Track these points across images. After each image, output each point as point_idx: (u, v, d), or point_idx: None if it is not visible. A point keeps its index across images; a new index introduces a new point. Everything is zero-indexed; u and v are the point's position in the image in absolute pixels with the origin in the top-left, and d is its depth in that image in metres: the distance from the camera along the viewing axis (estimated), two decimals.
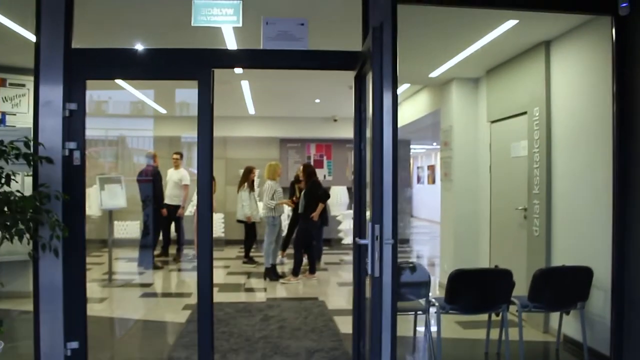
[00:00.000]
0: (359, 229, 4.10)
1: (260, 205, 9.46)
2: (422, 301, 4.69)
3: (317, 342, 5.22)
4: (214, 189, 10.27)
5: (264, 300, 7.00)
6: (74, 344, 3.74)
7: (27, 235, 3.31)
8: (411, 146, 14.21)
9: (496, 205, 6.92)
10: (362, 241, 3.32)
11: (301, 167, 9.08)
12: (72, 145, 3.79)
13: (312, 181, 8.36)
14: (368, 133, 3.46)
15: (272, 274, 8.37)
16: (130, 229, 11.93)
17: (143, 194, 9.62)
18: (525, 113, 6.01)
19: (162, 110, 11.83)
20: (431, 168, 21.11)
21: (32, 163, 3.46)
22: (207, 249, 4.01)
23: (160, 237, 10.15)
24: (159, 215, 9.54)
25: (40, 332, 3.70)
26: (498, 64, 6.67)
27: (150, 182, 9.47)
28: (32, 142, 3.52)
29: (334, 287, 8.03)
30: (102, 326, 5.90)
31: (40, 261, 3.68)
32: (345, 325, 5.83)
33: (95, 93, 10.18)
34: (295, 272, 8.26)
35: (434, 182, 20.74)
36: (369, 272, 3.08)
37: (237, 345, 5.10)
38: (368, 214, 3.35)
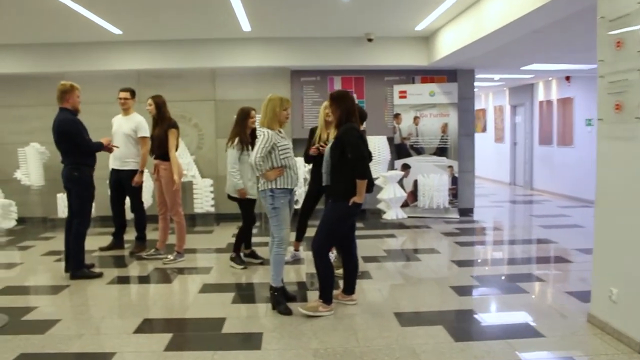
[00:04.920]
0: None
1: None
2: None
3: None
4: (176, 140, 6.56)
5: None
6: None
7: None
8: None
9: None
10: None
11: (326, 101, 5.22)
12: None
13: (348, 126, 4.45)
14: None
15: (281, 300, 4.61)
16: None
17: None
18: None
19: (116, 31, 7.95)
20: (481, 113, 17.05)
21: None
22: None
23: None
24: (81, 184, 5.77)
25: None
26: None
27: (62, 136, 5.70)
28: None
29: (391, 327, 4.26)
30: None
31: None
32: None
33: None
34: (326, 295, 4.48)
35: (484, 130, 16.77)
36: None
37: None
38: None
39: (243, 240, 6.17)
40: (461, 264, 6.14)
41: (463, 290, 5.11)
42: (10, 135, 9.27)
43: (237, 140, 5.82)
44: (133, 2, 6.59)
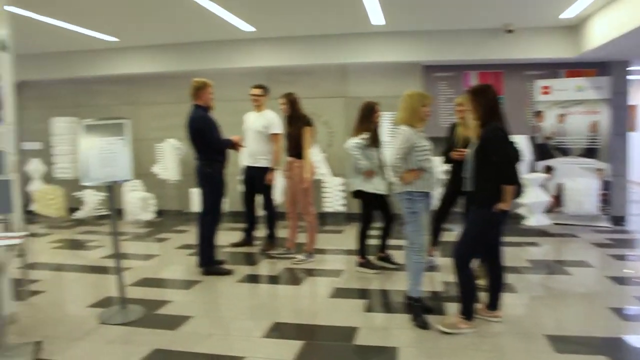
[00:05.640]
0: None
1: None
2: None
3: None
4: (311, 138, 6.41)
5: None
6: None
7: None
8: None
9: None
10: None
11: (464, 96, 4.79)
12: None
13: (492, 125, 4.01)
14: None
15: (420, 311, 4.27)
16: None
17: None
18: None
19: (249, 29, 7.99)
20: (631, 110, 15.48)
21: None
22: None
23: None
24: (213, 180, 5.80)
25: None
26: None
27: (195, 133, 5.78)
28: None
29: (543, 351, 3.77)
30: None
31: None
32: None
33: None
34: (467, 310, 4.10)
35: (634, 128, 15.19)
36: None
37: None
38: None
39: (363, 239, 5.87)
40: (619, 281, 5.41)
41: (626, 314, 4.47)
42: (150, 131, 9.68)
43: (367, 135, 5.57)
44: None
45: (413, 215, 4.27)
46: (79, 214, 9.29)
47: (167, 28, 7.95)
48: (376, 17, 7.34)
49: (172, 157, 9.16)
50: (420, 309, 4.28)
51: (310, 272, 5.87)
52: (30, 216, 8.98)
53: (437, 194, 6.28)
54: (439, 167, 6.83)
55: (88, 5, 6.60)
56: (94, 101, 10.04)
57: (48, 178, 9.67)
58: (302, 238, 6.49)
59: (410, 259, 4.32)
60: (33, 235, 8.06)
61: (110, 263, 5.91)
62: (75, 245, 7.60)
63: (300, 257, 6.28)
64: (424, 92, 4.49)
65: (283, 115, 6.38)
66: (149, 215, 8.97)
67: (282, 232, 6.97)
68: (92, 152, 4.44)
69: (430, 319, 4.23)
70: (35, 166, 9.66)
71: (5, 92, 4.43)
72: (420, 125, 4.39)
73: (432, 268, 5.74)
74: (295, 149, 6.16)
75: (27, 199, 9.15)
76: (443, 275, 5.54)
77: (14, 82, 4.63)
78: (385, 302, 4.96)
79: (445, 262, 5.66)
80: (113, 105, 9.88)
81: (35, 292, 5.30)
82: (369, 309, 4.67)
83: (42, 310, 4.82)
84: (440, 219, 5.68)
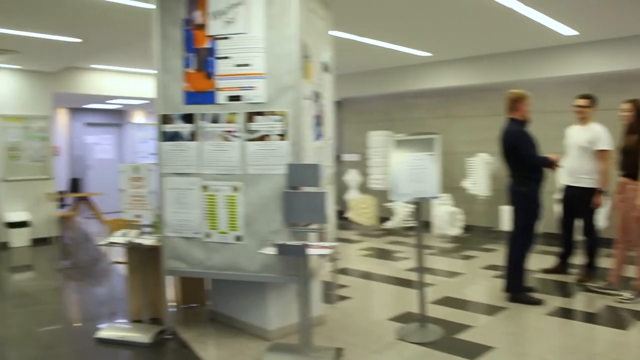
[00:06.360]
0: None
1: None
2: None
3: None
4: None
5: None
6: None
7: None
8: None
9: None
10: None
11: None
12: None
13: None
14: None
15: None
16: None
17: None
18: None
19: (570, 33, 7.25)
20: None
21: None
22: None
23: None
24: (527, 200, 5.27)
25: None
26: None
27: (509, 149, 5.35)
28: None
29: None
30: None
31: None
32: None
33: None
34: None
35: None
36: None
37: None
38: None
39: None
40: None
41: None
42: (461, 144, 9.54)
43: None
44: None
45: None
46: (388, 224, 9.62)
47: (480, 39, 7.68)
48: None
49: (483, 172, 8.86)
50: None
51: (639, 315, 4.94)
52: (345, 222, 9.63)
53: None
54: None
55: (405, 25, 6.74)
56: (407, 115, 10.37)
57: (363, 188, 10.24)
58: (630, 272, 5.53)
59: None
60: (345, 241, 8.61)
61: (413, 276, 5.88)
62: (383, 254, 7.86)
63: (627, 294, 5.33)
64: None
65: (623, 125, 5.52)
66: (456, 231, 8.79)
67: (604, 262, 6.07)
68: (402, 167, 4.43)
69: None
70: (352, 176, 10.32)
71: (326, 110, 4.72)
72: None
73: None
74: (630, 167, 5.28)
75: (343, 206, 9.85)
76: None
77: (334, 100, 4.91)
78: None
79: None
80: (425, 119, 10.05)
81: (342, 297, 5.56)
82: None
83: (347, 316, 5.00)
84: None
